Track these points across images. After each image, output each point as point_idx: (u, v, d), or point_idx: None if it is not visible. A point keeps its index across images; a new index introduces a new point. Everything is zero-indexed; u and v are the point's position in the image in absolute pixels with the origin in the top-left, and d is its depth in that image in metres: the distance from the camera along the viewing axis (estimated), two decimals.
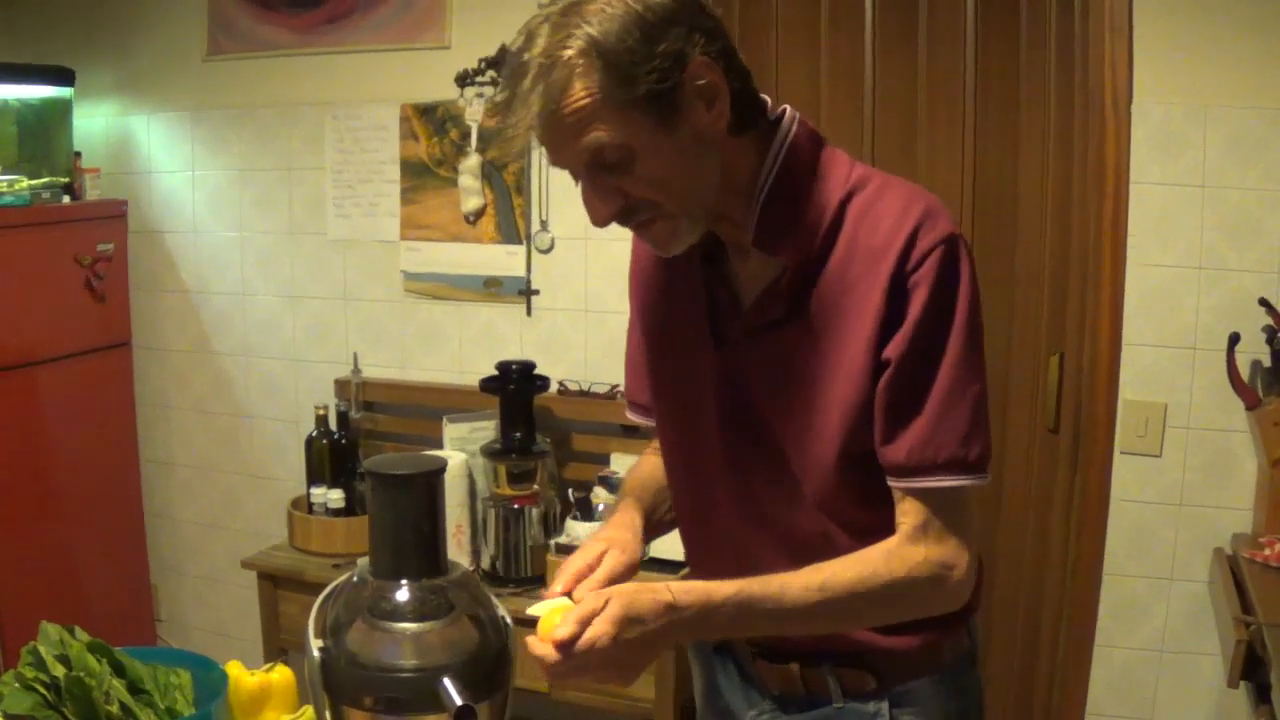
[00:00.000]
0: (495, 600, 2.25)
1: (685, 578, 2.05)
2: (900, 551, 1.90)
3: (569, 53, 1.73)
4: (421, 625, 2.09)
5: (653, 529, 2.30)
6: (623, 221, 1.89)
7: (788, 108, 1.98)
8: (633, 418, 2.37)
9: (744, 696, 2.25)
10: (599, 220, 1.89)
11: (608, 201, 1.85)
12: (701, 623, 1.88)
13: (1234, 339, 3.56)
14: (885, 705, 2.07)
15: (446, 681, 2.03)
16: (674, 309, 2.12)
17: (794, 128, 1.95)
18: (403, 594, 2.11)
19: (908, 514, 1.91)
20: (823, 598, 1.89)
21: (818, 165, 1.94)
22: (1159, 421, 3.73)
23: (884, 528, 1.95)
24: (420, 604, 2.11)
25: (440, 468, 2.13)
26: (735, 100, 1.86)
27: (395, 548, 2.13)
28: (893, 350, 1.85)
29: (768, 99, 1.98)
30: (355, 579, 2.17)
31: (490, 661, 2.16)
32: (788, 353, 1.95)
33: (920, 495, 1.90)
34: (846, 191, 1.91)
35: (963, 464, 1.88)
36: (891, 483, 1.92)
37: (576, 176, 1.88)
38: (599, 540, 2.14)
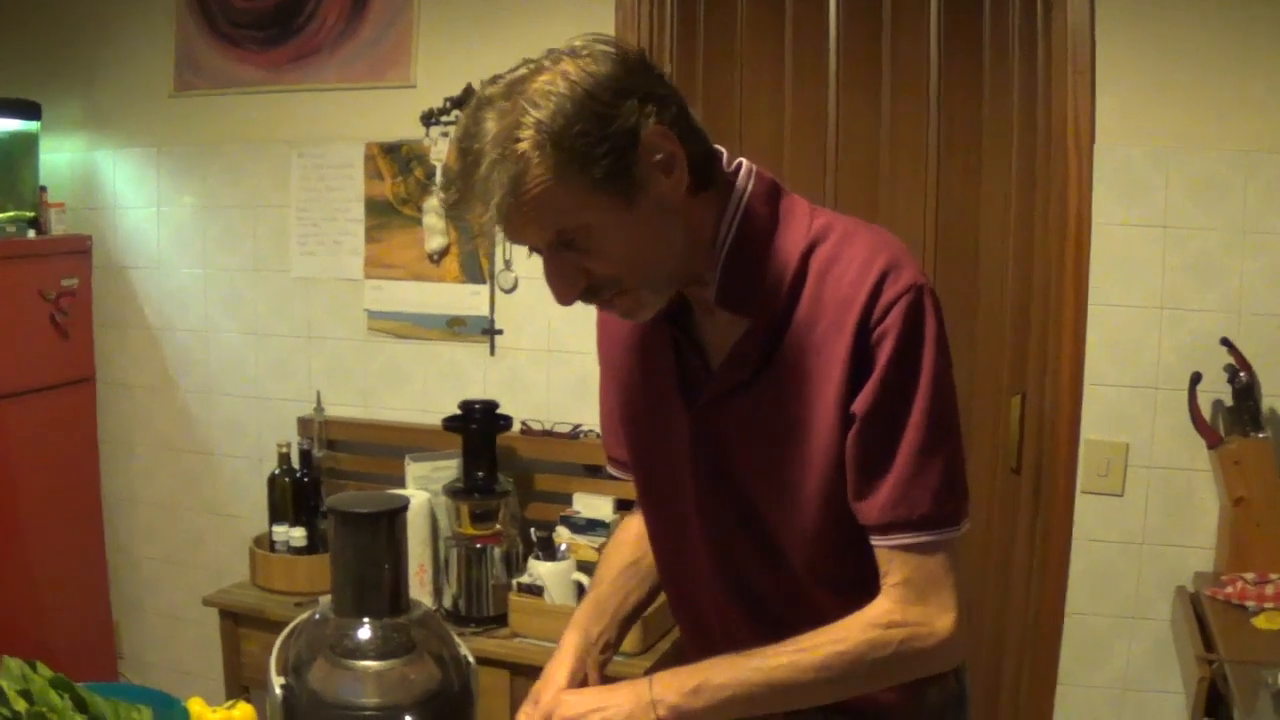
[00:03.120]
0: (457, 639, 2.25)
1: (675, 642, 2.08)
2: (878, 618, 1.88)
3: (522, 145, 1.69)
4: (383, 663, 2.09)
5: (624, 621, 2.30)
6: (587, 300, 1.87)
7: (743, 161, 1.95)
8: (614, 473, 2.34)
9: None
10: (563, 300, 1.87)
11: (571, 281, 1.83)
12: (675, 705, 1.88)
13: (1195, 379, 3.59)
14: None
15: None
16: (644, 369, 2.09)
17: (750, 182, 1.92)
18: (365, 632, 2.11)
19: (887, 574, 1.89)
20: (801, 674, 1.88)
21: (777, 217, 1.91)
22: (1121, 461, 3.75)
23: (870, 583, 1.93)
24: (382, 642, 2.10)
25: (402, 506, 2.13)
26: (692, 162, 1.83)
27: (357, 586, 2.13)
28: (860, 405, 1.83)
29: (723, 150, 1.95)
30: (317, 616, 2.17)
31: (452, 700, 2.16)
32: (759, 413, 1.92)
33: (898, 552, 1.88)
34: (808, 244, 1.88)
35: (938, 519, 1.86)
36: (871, 539, 1.90)
37: (537, 253, 1.85)
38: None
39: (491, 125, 1.70)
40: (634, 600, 2.30)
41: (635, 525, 2.34)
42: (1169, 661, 3.74)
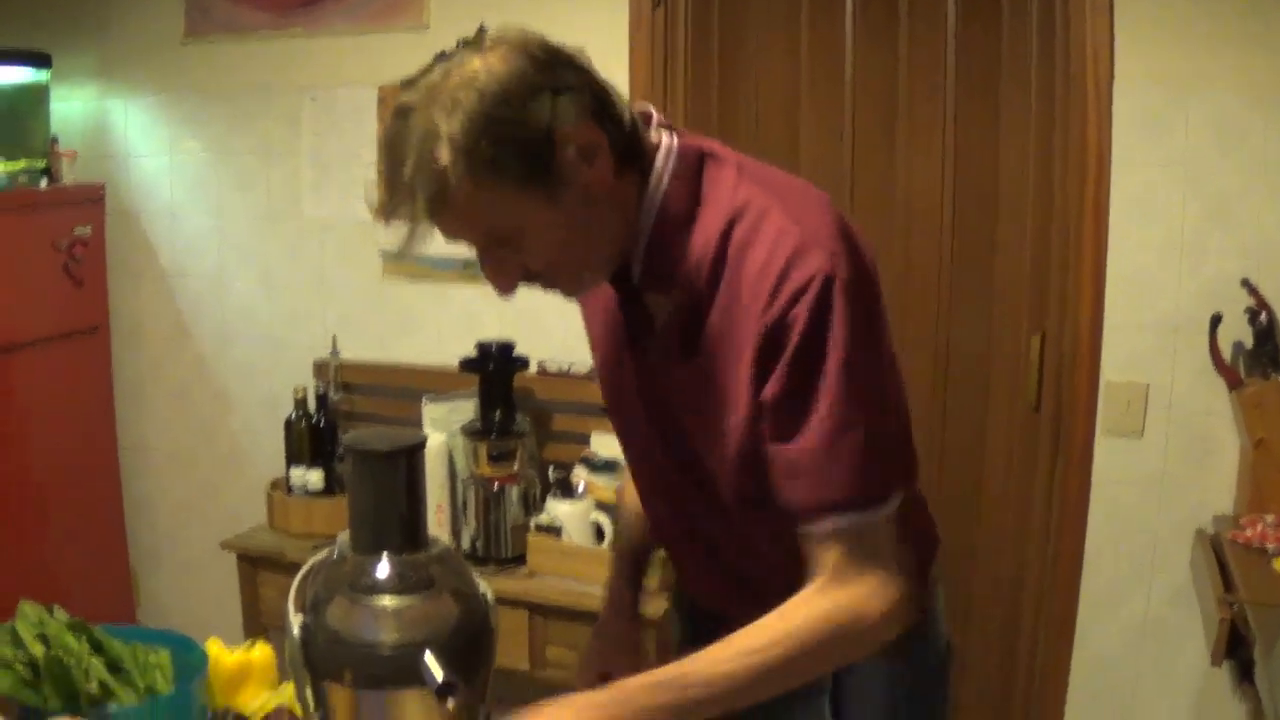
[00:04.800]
0: (476, 576, 2.24)
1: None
2: (817, 601, 1.84)
3: (439, 157, 1.67)
4: (402, 600, 2.08)
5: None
6: (529, 285, 1.87)
7: (665, 133, 1.91)
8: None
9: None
10: (504, 292, 1.87)
11: (509, 275, 1.84)
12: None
13: (1216, 320, 3.56)
14: (828, 680, 2.11)
15: (428, 656, 2.02)
16: (603, 320, 2.13)
17: (670, 161, 1.88)
18: (383, 569, 2.09)
19: (818, 561, 1.85)
20: (749, 664, 1.83)
21: (699, 196, 1.88)
22: (1141, 403, 3.73)
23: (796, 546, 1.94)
24: (401, 579, 2.09)
25: (420, 442, 2.12)
26: (614, 146, 1.80)
27: (375, 522, 2.11)
28: (768, 393, 1.81)
29: (651, 112, 1.93)
30: (335, 554, 2.16)
31: (472, 637, 2.15)
32: (689, 385, 1.93)
33: (827, 538, 1.84)
34: (727, 222, 1.84)
35: (862, 500, 1.82)
36: (798, 528, 1.87)
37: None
38: (595, 659, 2.27)
39: (410, 135, 1.71)
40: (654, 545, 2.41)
41: None
42: (1189, 604, 3.72)
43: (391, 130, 1.74)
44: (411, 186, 1.69)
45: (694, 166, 1.89)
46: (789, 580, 2.03)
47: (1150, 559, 3.80)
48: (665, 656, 1.96)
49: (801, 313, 1.75)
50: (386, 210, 1.75)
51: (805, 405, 1.79)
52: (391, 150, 1.73)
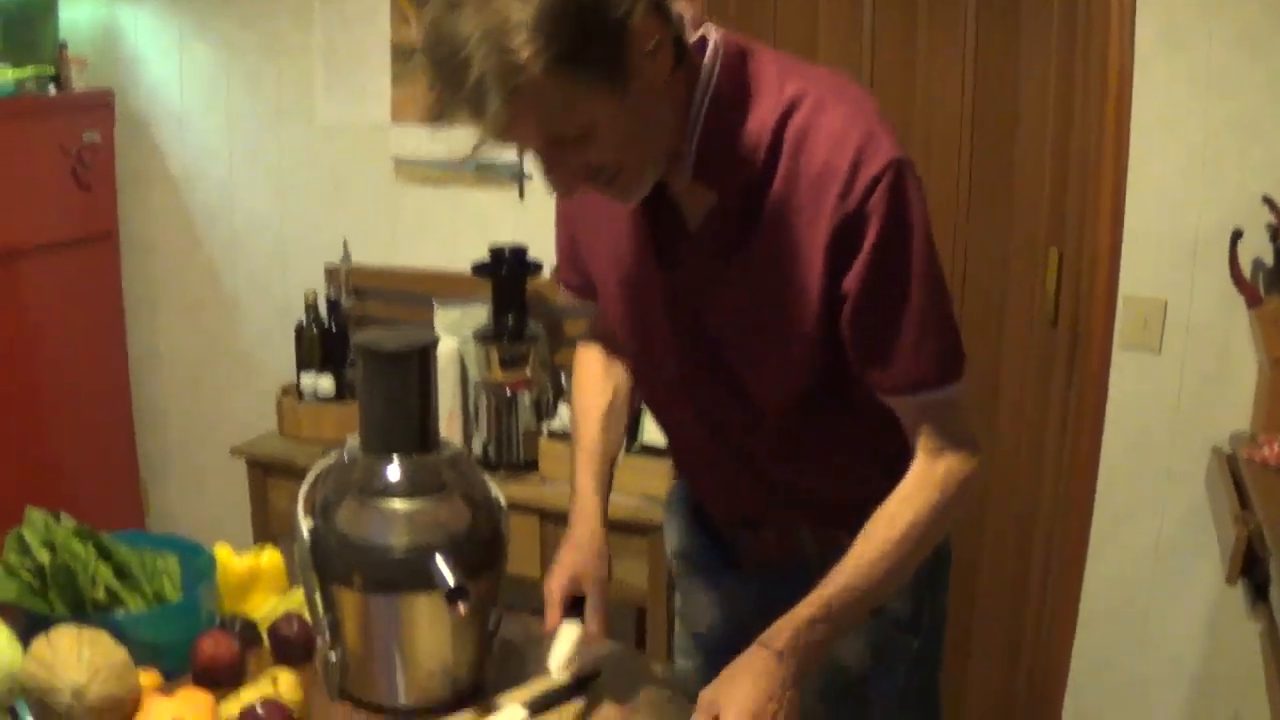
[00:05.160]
0: (488, 480, 2.22)
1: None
2: (931, 476, 1.91)
3: (512, 47, 1.57)
4: (412, 503, 2.08)
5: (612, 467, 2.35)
6: (587, 188, 1.82)
7: (710, 29, 1.87)
8: (568, 297, 2.39)
9: (720, 558, 2.30)
10: (566, 194, 1.87)
11: (570, 176, 1.78)
12: (807, 642, 1.87)
13: (1236, 235, 3.51)
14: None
15: (439, 560, 2.01)
16: (613, 222, 2.04)
17: (720, 53, 1.84)
18: (393, 471, 2.09)
19: (915, 433, 1.92)
20: (898, 553, 1.90)
21: (748, 87, 1.84)
22: (1159, 318, 3.69)
23: (840, 433, 2.01)
24: (411, 481, 2.09)
25: (432, 342, 2.11)
26: (673, 41, 1.76)
27: (386, 424, 2.11)
28: (852, 283, 1.81)
29: (683, 14, 1.84)
30: (345, 457, 2.15)
31: (483, 541, 2.14)
32: (737, 283, 1.91)
33: (920, 412, 1.90)
34: (781, 113, 1.82)
35: (952, 374, 1.89)
36: (889, 400, 1.92)
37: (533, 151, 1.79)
38: (566, 566, 2.20)
39: (472, 27, 1.58)
40: (615, 444, 2.36)
41: (595, 362, 2.41)
42: (1204, 523, 3.70)
43: (444, 23, 1.60)
44: (479, 84, 1.58)
45: (740, 61, 1.85)
46: (827, 483, 2.08)
47: (1166, 477, 3.78)
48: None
49: (880, 201, 1.75)
50: (440, 112, 1.64)
51: (894, 289, 1.81)
52: (447, 45, 1.60)
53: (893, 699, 2.18)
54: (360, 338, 2.11)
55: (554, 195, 1.94)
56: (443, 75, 1.61)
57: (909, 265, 1.80)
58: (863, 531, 1.91)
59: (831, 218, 1.77)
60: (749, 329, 1.93)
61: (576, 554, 2.18)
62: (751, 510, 2.18)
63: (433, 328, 4.20)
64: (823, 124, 1.80)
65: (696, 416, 2.12)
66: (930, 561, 2.01)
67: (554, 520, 3.72)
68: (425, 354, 2.09)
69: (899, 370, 1.86)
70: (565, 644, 2.11)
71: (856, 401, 1.94)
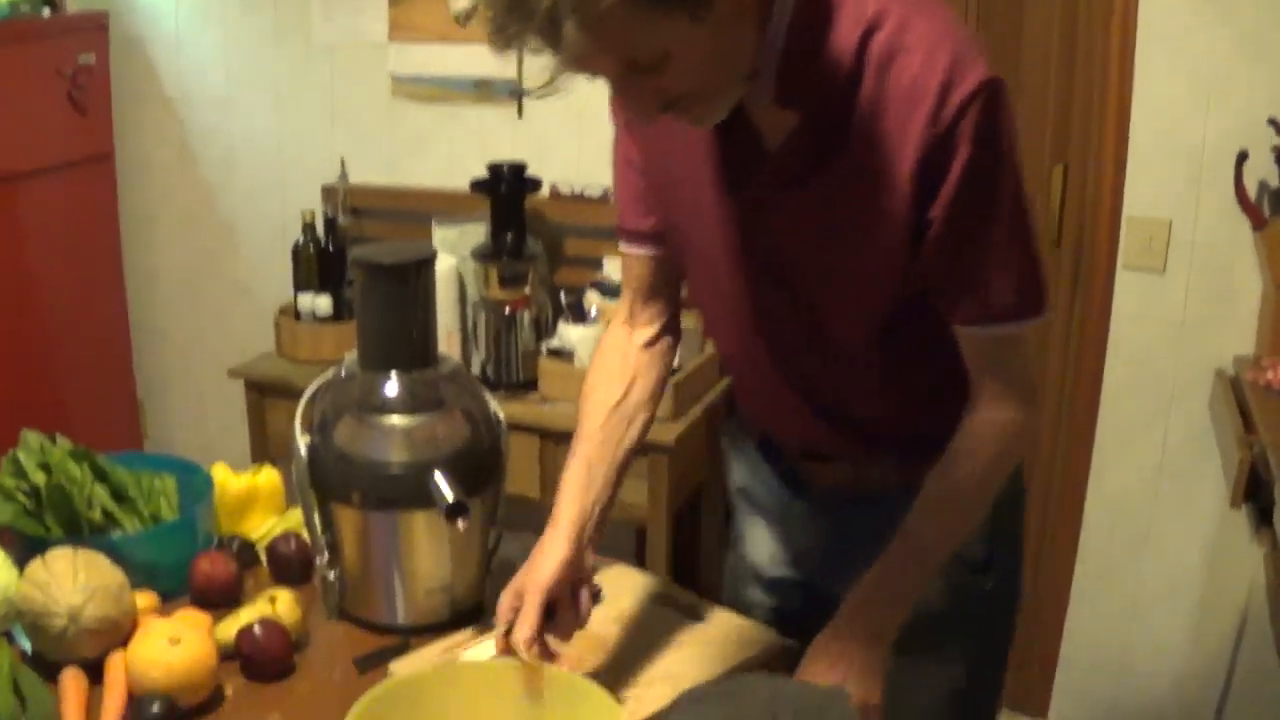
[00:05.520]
0: (488, 396, 2.20)
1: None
2: (990, 428, 1.88)
3: None
4: (411, 419, 2.07)
5: (617, 482, 2.10)
6: (664, 112, 1.73)
7: None
8: (625, 249, 2.19)
9: (787, 491, 2.22)
10: (644, 123, 1.80)
11: (646, 104, 1.70)
12: (877, 606, 1.86)
13: (1242, 157, 3.48)
14: None
15: (438, 476, 2.00)
16: (680, 145, 1.95)
17: None
18: (392, 387, 2.08)
19: (981, 373, 1.87)
20: (956, 514, 1.90)
21: (828, 2, 1.76)
22: (1163, 239, 3.66)
23: (918, 365, 1.95)
24: (410, 397, 2.08)
25: (431, 256, 2.09)
26: None
27: (384, 339, 2.09)
28: (940, 208, 1.73)
29: None
30: (343, 373, 2.14)
31: (482, 458, 2.13)
32: (816, 209, 1.82)
33: (989, 347, 1.85)
34: (864, 30, 1.73)
35: (1028, 308, 1.82)
36: (961, 331, 1.85)
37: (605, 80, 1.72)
38: (513, 585, 1.94)
39: None
40: (625, 448, 2.11)
41: (617, 347, 2.19)
42: (1206, 446, 3.69)
43: None
44: (553, 13, 1.50)
45: None
46: (903, 418, 2.02)
47: (1169, 398, 3.76)
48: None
49: (972, 121, 1.67)
50: (507, 42, 1.56)
51: (980, 216, 1.74)
52: None
53: (967, 641, 2.14)
54: (358, 251, 2.09)
55: (616, 128, 1.89)
56: (511, 4, 1.53)
57: (998, 192, 1.73)
58: (921, 493, 1.88)
59: (920, 140, 1.69)
60: (827, 257, 1.86)
61: (525, 575, 1.94)
62: (823, 443, 2.11)
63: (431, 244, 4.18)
64: (909, 41, 1.71)
65: (770, 352, 2.03)
66: (1003, 503, 1.99)
67: (554, 439, 3.70)
68: (424, 267, 2.07)
69: (977, 300, 1.80)
70: (485, 651, 1.98)
71: (935, 335, 1.88)
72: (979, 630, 2.15)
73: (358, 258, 2.06)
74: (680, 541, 3.97)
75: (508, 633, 1.84)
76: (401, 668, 1.99)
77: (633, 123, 1.82)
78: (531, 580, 1.89)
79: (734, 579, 2.43)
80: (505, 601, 1.90)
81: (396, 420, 2.05)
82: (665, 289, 2.14)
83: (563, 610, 1.91)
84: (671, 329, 2.18)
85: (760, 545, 2.33)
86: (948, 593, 2.02)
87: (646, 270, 2.14)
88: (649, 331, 2.16)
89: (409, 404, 2.06)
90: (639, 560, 4.00)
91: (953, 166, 1.68)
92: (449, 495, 1.98)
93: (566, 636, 1.92)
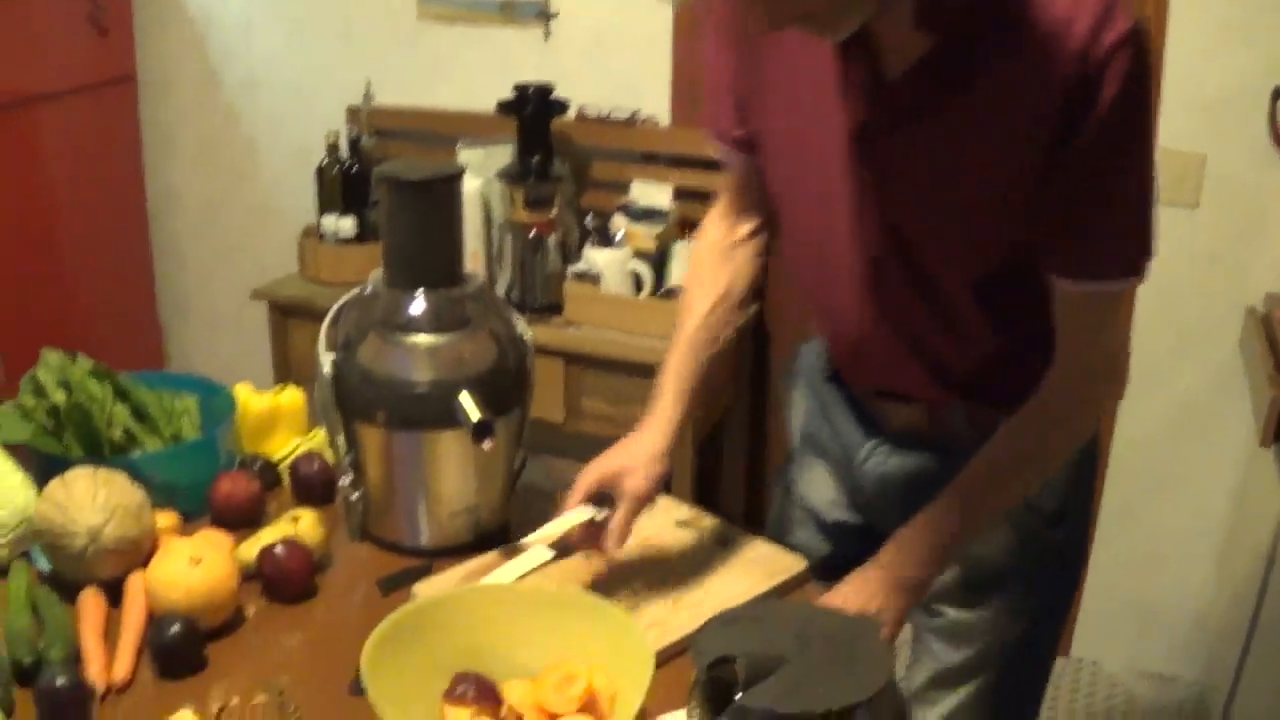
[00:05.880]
0: (515, 315, 2.18)
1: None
2: (1069, 397, 1.85)
3: None
4: (437, 338, 2.05)
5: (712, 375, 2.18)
6: (792, 24, 1.68)
7: None
8: (718, 153, 2.13)
9: (858, 430, 2.18)
10: (774, 29, 1.70)
11: (782, 11, 1.65)
12: (914, 557, 1.85)
13: (1277, 93, 3.44)
14: None
15: (463, 395, 1.98)
16: (792, 68, 1.88)
17: None
18: (417, 305, 2.05)
19: (1070, 333, 1.82)
20: (1020, 479, 1.89)
21: None
22: (1196, 174, 3.61)
23: (1019, 329, 1.90)
24: (436, 316, 2.05)
25: (457, 172, 2.07)
26: None
27: (410, 257, 2.07)
28: (1071, 152, 1.67)
29: None
30: (368, 291, 2.12)
31: (508, 378, 2.12)
32: (936, 142, 1.75)
33: (1085, 304, 1.78)
34: None
35: (1132, 266, 1.76)
36: (1060, 284, 1.79)
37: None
38: (607, 464, 2.04)
39: None
40: (720, 343, 2.15)
41: (713, 249, 2.18)
42: (1236, 385, 3.66)
43: None
44: None
45: None
46: (994, 366, 1.96)
47: (1198, 335, 3.72)
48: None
49: (1120, 67, 1.60)
50: None
51: (1109, 165, 1.68)
52: None
53: (1030, 595, 2.10)
54: (384, 167, 2.06)
55: (711, 33, 1.84)
56: None
57: (1131, 143, 1.67)
58: (984, 451, 1.86)
59: (1064, 79, 1.63)
60: (941, 194, 1.79)
61: (625, 459, 2.03)
62: (902, 384, 2.07)
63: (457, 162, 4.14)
64: None
65: (862, 289, 1.96)
66: (1077, 457, 1.97)
67: (579, 363, 3.71)
68: (450, 183, 2.04)
69: (1085, 251, 1.74)
70: (562, 525, 2.02)
71: (1035, 290, 1.83)
72: (1043, 584, 2.12)
73: (383, 174, 2.03)
74: (703, 469, 3.95)
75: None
76: (425, 590, 1.98)
77: (754, 30, 1.75)
78: (630, 486, 1.98)
79: (783, 521, 2.40)
80: (592, 477, 2.00)
81: (422, 339, 2.03)
82: (760, 188, 2.09)
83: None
84: (768, 223, 2.15)
85: (820, 488, 2.30)
86: (1016, 544, 2.01)
87: (745, 170, 2.10)
88: (750, 224, 2.15)
89: (434, 323, 2.04)
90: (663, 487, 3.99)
91: (1093, 110, 1.62)
92: (474, 415, 1.96)
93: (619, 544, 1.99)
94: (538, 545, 2.05)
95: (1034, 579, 2.09)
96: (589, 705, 1.63)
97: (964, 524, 1.86)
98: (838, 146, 1.83)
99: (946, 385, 2.00)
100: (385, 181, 2.03)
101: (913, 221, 1.84)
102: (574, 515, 2.01)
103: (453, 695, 1.62)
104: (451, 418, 1.98)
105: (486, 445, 1.97)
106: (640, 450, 2.03)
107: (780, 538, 2.31)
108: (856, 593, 1.83)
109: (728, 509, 4.17)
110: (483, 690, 1.64)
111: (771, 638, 1.49)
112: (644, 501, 2.01)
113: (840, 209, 1.88)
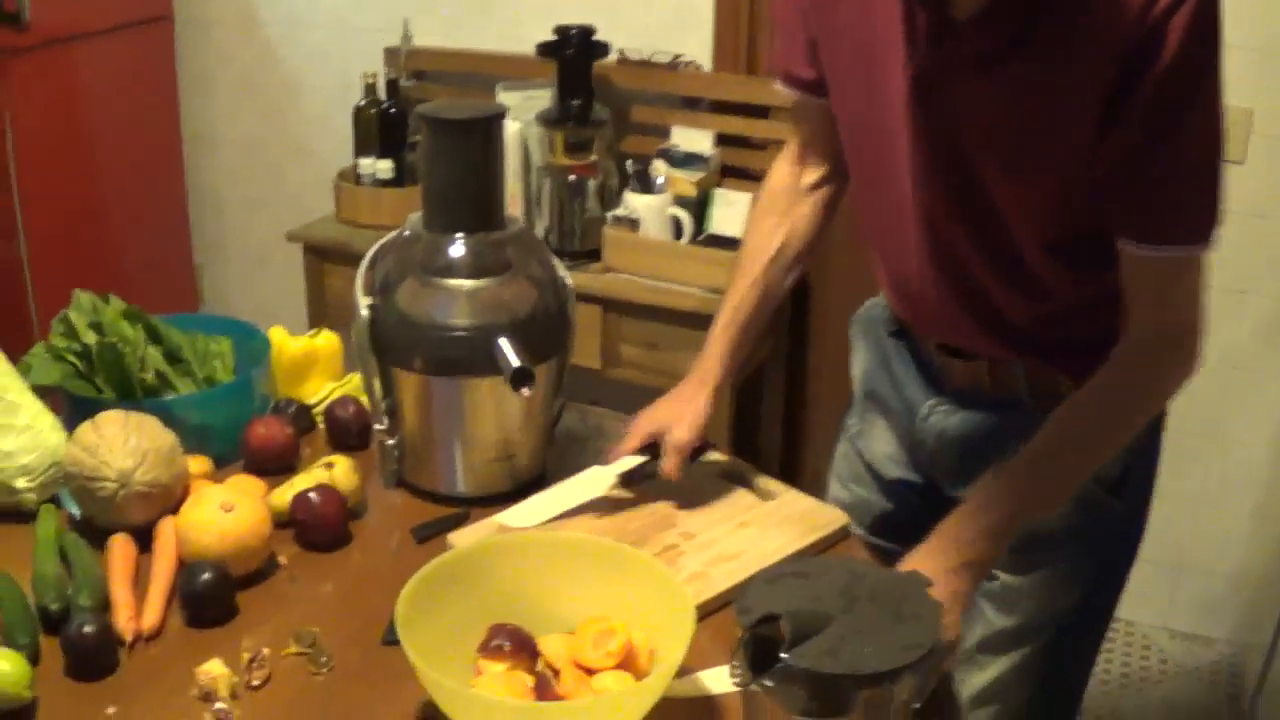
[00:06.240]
0: (555, 260, 2.14)
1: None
2: (1140, 372, 1.81)
3: None
4: (477, 282, 2.02)
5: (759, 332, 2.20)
6: None
7: None
8: (783, 89, 2.10)
9: (920, 387, 2.14)
10: None
11: None
12: (972, 532, 1.79)
13: None
14: None
15: (503, 341, 1.95)
16: (860, 4, 1.84)
17: None
18: (457, 249, 2.03)
19: (1139, 303, 1.77)
20: (1088, 454, 1.85)
21: None
22: (1244, 129, 3.55)
23: (1090, 289, 1.87)
24: (476, 260, 2.02)
25: (500, 113, 2.04)
26: None
27: (450, 199, 2.04)
28: (1134, 110, 1.62)
29: None
30: (406, 233, 2.09)
31: (549, 324, 2.09)
32: (1003, 89, 1.70)
33: (1151, 271, 1.73)
34: None
35: (1199, 232, 1.71)
36: (1123, 248, 1.74)
37: None
38: (656, 416, 2.10)
39: None
40: (777, 299, 2.18)
41: (774, 199, 2.17)
42: (1278, 341, 3.62)
43: None
44: None
45: None
46: (1062, 327, 1.92)
47: (1243, 292, 3.67)
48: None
49: (1184, 22, 1.56)
50: None
51: (1178, 123, 1.63)
52: None
53: (1087, 562, 2.07)
54: (424, 107, 2.03)
55: None
56: None
57: (1197, 100, 1.63)
58: (1048, 426, 1.81)
59: (1121, 37, 1.58)
60: (1011, 146, 1.74)
61: (671, 413, 2.08)
62: (965, 339, 2.02)
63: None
64: None
65: (927, 238, 1.92)
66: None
67: (617, 310, 3.68)
68: (492, 124, 2.01)
69: (1148, 215, 1.70)
70: (620, 466, 2.07)
71: (1107, 250, 1.77)
72: (1101, 552, 2.08)
73: (424, 113, 2.00)
74: (741, 416, 3.92)
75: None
76: (460, 539, 1.95)
77: None
78: (675, 438, 2.04)
79: (844, 470, 2.37)
80: (643, 428, 2.09)
81: (461, 283, 2.00)
82: (836, 136, 2.04)
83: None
84: (840, 174, 2.11)
85: (880, 444, 2.26)
86: (1076, 510, 1.95)
87: (815, 114, 2.07)
88: (817, 173, 2.14)
89: (474, 267, 2.00)
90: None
91: (1150, 70, 1.58)
92: (514, 361, 1.92)
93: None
94: (595, 468, 2.08)
95: (1091, 547, 2.05)
96: (627, 660, 1.60)
97: (1029, 500, 1.81)
98: (906, 90, 1.78)
99: (1006, 340, 1.96)
100: (426, 121, 1.99)
101: (982, 173, 1.79)
102: (625, 463, 2.06)
103: (488, 648, 1.59)
104: (490, 364, 1.95)
105: (525, 393, 1.94)
106: (685, 405, 2.07)
107: (840, 488, 2.33)
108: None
109: (765, 457, 4.16)
110: (519, 643, 1.61)
111: (817, 595, 1.46)
112: (688, 453, 2.05)
113: (906, 155, 1.84)
